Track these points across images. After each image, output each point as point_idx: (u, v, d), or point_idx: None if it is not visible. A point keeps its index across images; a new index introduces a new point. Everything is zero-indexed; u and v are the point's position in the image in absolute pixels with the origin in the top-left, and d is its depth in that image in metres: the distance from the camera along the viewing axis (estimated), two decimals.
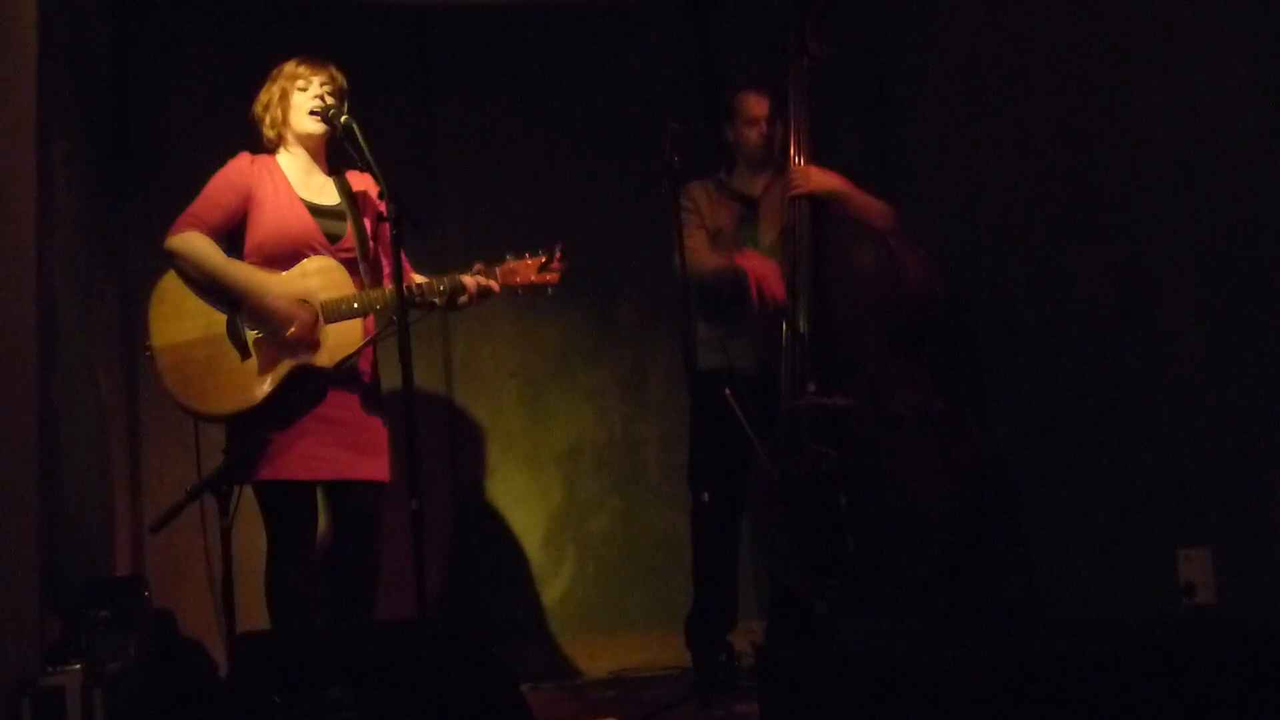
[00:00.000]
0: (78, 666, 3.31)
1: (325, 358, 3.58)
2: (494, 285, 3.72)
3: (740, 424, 3.87)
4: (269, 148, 3.76)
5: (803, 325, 4.00)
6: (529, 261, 3.76)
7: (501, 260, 3.76)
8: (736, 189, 4.43)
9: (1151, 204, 3.55)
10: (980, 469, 3.89)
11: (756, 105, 4.37)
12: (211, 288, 3.59)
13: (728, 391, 3.87)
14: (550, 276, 3.76)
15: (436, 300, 3.70)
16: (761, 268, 4.17)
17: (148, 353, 3.59)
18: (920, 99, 4.57)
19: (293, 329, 3.54)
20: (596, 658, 5.00)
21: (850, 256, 4.03)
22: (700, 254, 4.30)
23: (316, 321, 3.58)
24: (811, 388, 3.94)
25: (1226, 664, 2.48)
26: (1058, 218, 3.92)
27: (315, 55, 3.73)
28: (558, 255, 3.75)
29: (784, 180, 4.16)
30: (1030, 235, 4.05)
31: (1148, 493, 3.59)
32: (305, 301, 3.59)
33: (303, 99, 3.69)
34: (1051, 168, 3.93)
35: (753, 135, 4.37)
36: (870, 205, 4.16)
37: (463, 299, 3.72)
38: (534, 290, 3.79)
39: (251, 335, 3.58)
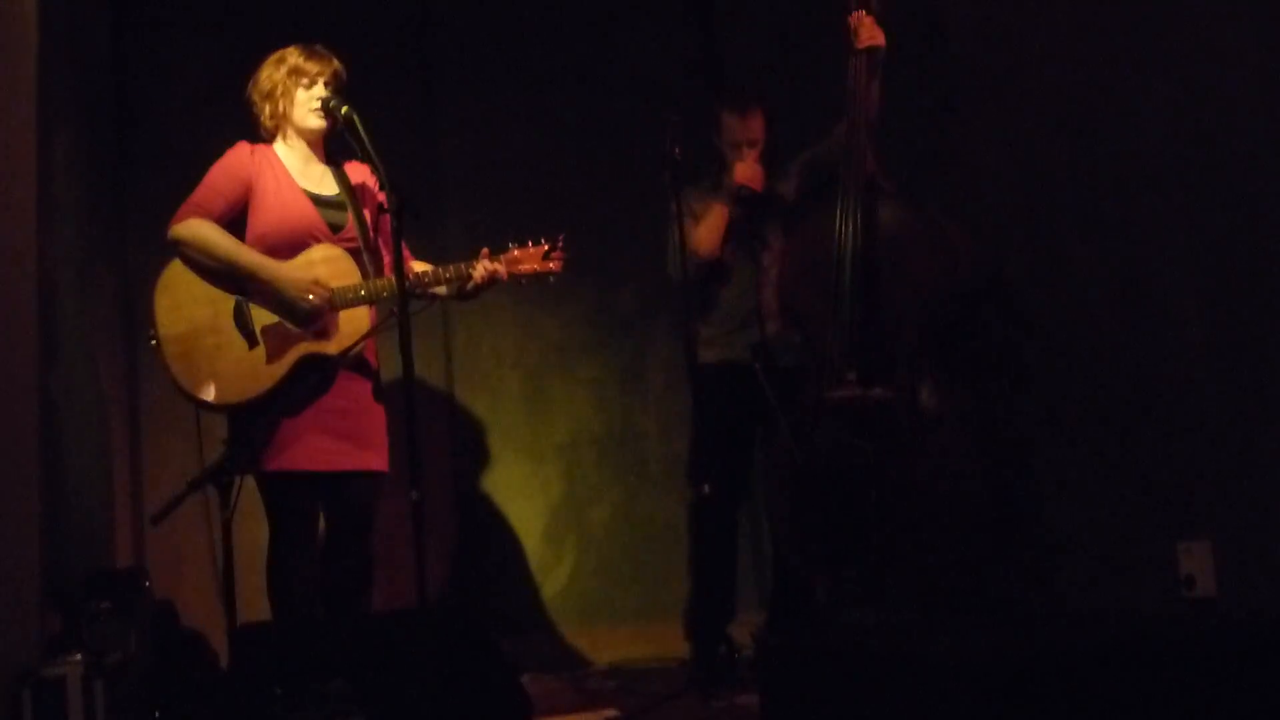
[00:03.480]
0: (78, 657, 3.32)
1: (333, 345, 3.58)
2: (500, 270, 3.71)
3: (756, 408, 3.85)
4: (265, 136, 3.75)
5: (848, 311, 3.83)
6: (532, 250, 3.75)
7: (505, 249, 3.75)
8: (730, 190, 4.33)
9: (1152, 198, 3.55)
10: (1011, 468, 3.85)
11: (740, 129, 4.33)
12: (222, 271, 3.57)
13: (757, 366, 3.84)
14: (553, 265, 3.75)
15: (441, 288, 3.70)
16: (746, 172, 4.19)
17: (153, 343, 3.58)
18: (917, 94, 4.56)
19: (308, 300, 3.53)
20: (597, 649, 5.00)
21: (905, 242, 3.84)
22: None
23: (331, 299, 3.57)
24: (851, 376, 3.80)
25: (1227, 656, 2.49)
26: (1058, 212, 3.91)
27: (318, 49, 3.70)
28: (560, 243, 3.75)
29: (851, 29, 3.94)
30: (1030, 230, 4.05)
31: (1148, 486, 3.60)
32: (318, 280, 3.58)
33: (306, 96, 3.67)
34: (1052, 163, 3.93)
35: (737, 157, 4.31)
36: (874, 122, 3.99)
37: (470, 285, 3.70)
38: (537, 279, 3.78)
39: (259, 324, 3.57)
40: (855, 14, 3.92)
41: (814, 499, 3.84)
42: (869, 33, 3.90)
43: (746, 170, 4.27)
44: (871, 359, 3.79)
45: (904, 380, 3.78)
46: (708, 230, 4.30)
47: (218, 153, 3.71)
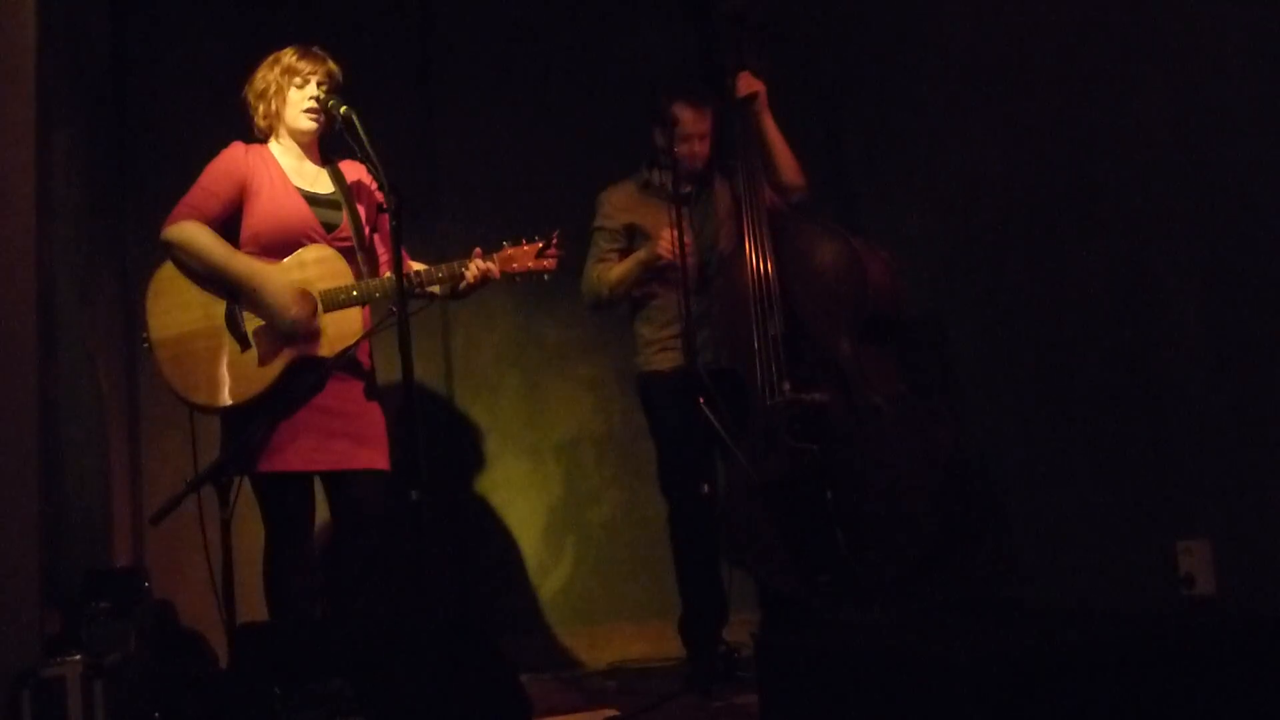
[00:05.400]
0: (78, 657, 3.32)
1: (325, 348, 3.58)
2: (494, 269, 3.71)
3: (714, 432, 3.87)
4: (260, 136, 3.75)
5: (773, 326, 4.01)
6: (526, 247, 3.74)
7: (499, 247, 3.75)
8: (667, 191, 4.25)
9: (1151, 198, 3.55)
10: (958, 452, 3.89)
11: (694, 122, 4.28)
12: (211, 277, 3.57)
13: (700, 401, 3.86)
14: (548, 263, 3.75)
15: (436, 288, 3.70)
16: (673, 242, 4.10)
17: (146, 346, 3.58)
18: (919, 94, 4.56)
19: (291, 315, 3.53)
20: (596, 648, 5.00)
21: (813, 257, 4.05)
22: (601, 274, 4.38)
23: (315, 311, 3.57)
24: (787, 386, 3.96)
25: (1226, 655, 2.49)
26: (1058, 212, 3.91)
27: (313, 50, 3.70)
28: (555, 240, 3.74)
29: (732, 96, 4.24)
30: (1030, 230, 4.04)
31: (1147, 484, 3.60)
32: (305, 291, 3.58)
33: (299, 96, 3.67)
34: (1051, 163, 3.92)
35: (686, 151, 4.25)
36: (785, 149, 4.27)
37: (463, 285, 3.70)
38: (531, 277, 3.77)
39: (251, 326, 3.57)
40: (734, 74, 4.24)
41: (775, 512, 3.95)
42: (745, 84, 4.22)
43: (668, 245, 4.16)
44: (801, 366, 4.00)
45: (835, 381, 3.96)
46: (619, 280, 4.36)
47: (218, 152, 3.71)
